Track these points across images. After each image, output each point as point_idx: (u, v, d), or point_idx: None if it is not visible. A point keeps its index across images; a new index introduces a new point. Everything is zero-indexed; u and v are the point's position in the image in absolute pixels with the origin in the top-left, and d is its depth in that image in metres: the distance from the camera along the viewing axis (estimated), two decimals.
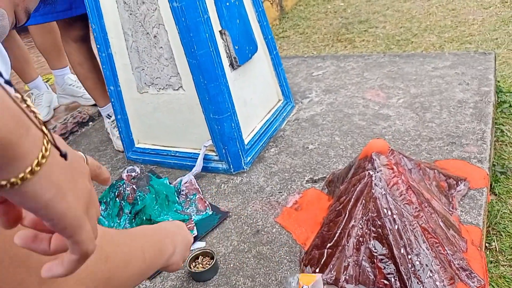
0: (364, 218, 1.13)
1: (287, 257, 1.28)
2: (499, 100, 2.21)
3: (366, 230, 1.12)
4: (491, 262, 1.47)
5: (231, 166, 1.71)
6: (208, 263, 1.29)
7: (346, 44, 3.93)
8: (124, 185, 1.45)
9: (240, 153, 1.70)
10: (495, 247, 1.53)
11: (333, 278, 1.13)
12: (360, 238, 1.13)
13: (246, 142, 1.76)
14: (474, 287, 1.05)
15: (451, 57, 2.38)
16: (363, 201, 1.14)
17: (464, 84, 2.06)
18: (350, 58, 2.71)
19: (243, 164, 1.72)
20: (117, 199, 1.47)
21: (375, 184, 1.14)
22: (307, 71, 2.65)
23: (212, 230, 1.45)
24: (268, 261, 1.28)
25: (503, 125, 2.07)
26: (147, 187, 1.47)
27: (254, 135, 1.83)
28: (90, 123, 2.53)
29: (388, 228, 1.10)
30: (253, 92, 1.88)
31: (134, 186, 1.45)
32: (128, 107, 1.88)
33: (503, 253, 1.51)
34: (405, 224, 1.10)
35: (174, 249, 0.79)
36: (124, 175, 1.47)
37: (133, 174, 1.46)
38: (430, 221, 1.12)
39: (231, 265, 1.30)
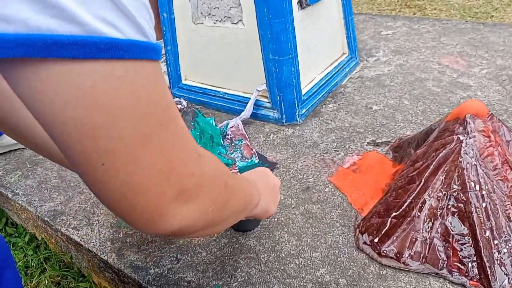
0: (444, 189, 0.95)
1: (340, 221, 1.13)
2: None
3: (445, 204, 0.94)
4: None
5: (284, 116, 1.55)
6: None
7: (416, 10, 3.58)
8: None
9: (296, 102, 1.53)
10: None
11: (395, 251, 0.97)
12: (436, 212, 0.95)
13: (303, 92, 1.58)
14: None
15: None
16: (446, 169, 0.96)
17: None
18: (425, 21, 2.42)
19: (297, 116, 1.56)
20: None
21: (464, 151, 0.94)
22: (374, 29, 2.40)
23: None
24: (318, 221, 1.13)
25: None
26: (192, 123, 1.34)
27: (313, 86, 1.65)
28: None
29: (473, 205, 0.91)
30: (319, 38, 1.67)
31: None
32: (179, 38, 1.73)
33: None
34: (495, 204, 0.91)
35: (259, 196, 0.79)
36: None
37: (179, 106, 1.33)
38: None
39: (275, 219, 1.16)
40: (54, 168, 1.51)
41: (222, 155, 1.39)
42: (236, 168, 1.34)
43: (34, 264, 1.44)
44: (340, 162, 1.35)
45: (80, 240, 1.18)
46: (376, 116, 1.56)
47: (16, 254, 1.48)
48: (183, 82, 1.80)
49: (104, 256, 1.11)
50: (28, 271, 1.43)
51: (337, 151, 1.41)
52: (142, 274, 1.05)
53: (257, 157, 1.40)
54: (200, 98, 1.75)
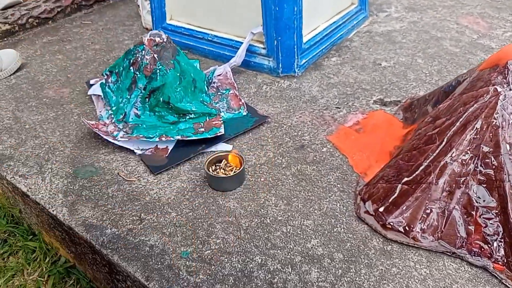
0: (472, 151, 0.77)
1: (338, 185, 0.95)
2: None
3: (470, 169, 0.77)
4: None
5: (280, 66, 1.34)
6: (232, 170, 0.98)
7: None
8: (143, 51, 1.11)
9: (296, 50, 1.32)
10: None
11: (403, 224, 0.79)
12: (458, 179, 0.77)
13: (304, 40, 1.37)
14: None
15: None
16: (476, 127, 0.77)
17: None
18: None
19: (296, 66, 1.35)
20: (131, 68, 1.14)
21: (502, 106, 0.76)
22: None
23: (243, 133, 1.12)
24: (312, 184, 0.95)
25: None
26: (172, 61, 1.13)
27: (316, 35, 1.44)
28: None
29: (506, 172, 0.74)
30: None
31: (155, 55, 1.10)
32: None
33: None
34: None
35: None
36: (145, 39, 1.12)
37: (157, 39, 1.11)
38: None
39: (262, 179, 0.98)
40: (9, 108, 1.30)
41: (205, 103, 1.19)
42: (221, 119, 1.14)
43: None
44: (341, 120, 1.16)
45: (27, 190, 0.99)
46: (385, 73, 1.36)
47: None
48: (168, 22, 1.57)
49: (53, 211, 0.93)
50: None
51: (339, 108, 1.21)
52: (96, 234, 0.86)
53: (245, 109, 1.20)
54: (186, 41, 1.53)
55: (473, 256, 0.75)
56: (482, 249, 0.74)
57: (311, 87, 1.31)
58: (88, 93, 1.31)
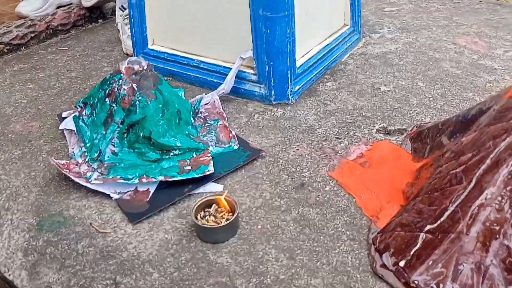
0: (508, 193, 0.65)
1: (347, 232, 0.82)
2: None
3: (508, 216, 0.65)
4: None
5: (273, 93, 1.23)
6: (224, 216, 0.84)
7: None
8: (120, 81, 0.98)
9: (289, 75, 1.21)
10: None
11: (432, 283, 0.67)
12: (494, 227, 0.65)
13: (297, 64, 1.27)
14: None
15: None
16: None
17: None
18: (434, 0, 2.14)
19: (289, 93, 1.24)
20: (107, 99, 1.00)
21: None
22: (376, 5, 2.09)
23: (235, 170, 0.99)
24: (317, 232, 0.82)
25: None
26: (153, 91, 1.00)
27: (309, 59, 1.33)
28: (100, 20, 2.04)
29: None
30: (320, 0, 1.36)
31: (134, 85, 0.98)
32: None
33: None
34: None
35: None
36: (122, 67, 0.99)
37: (136, 67, 0.99)
38: None
39: (258, 227, 0.85)
40: None
41: (192, 137, 1.06)
42: (209, 155, 1.01)
43: None
44: (343, 153, 1.04)
45: None
46: (385, 98, 1.26)
47: None
48: (150, 47, 1.45)
49: (9, 275, 0.77)
50: None
51: (339, 138, 1.10)
52: None
53: (236, 142, 1.07)
54: (170, 68, 1.41)
55: None
56: None
57: (307, 115, 1.20)
58: (60, 128, 1.17)
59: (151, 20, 1.41)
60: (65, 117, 1.19)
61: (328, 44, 1.44)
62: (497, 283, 0.64)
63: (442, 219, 0.69)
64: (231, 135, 1.09)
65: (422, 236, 0.70)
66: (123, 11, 1.69)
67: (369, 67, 1.45)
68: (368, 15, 1.96)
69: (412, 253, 0.70)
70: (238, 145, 1.07)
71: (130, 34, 1.51)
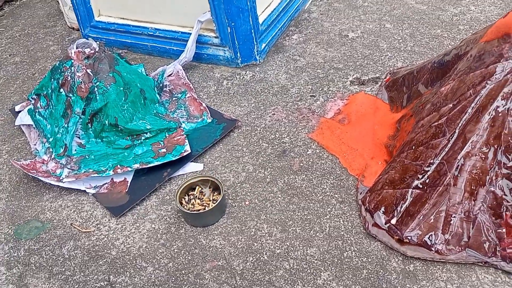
0: (492, 142, 0.66)
1: (336, 195, 0.82)
2: None
3: (493, 163, 0.66)
4: None
5: (239, 55, 1.17)
6: (210, 198, 0.82)
7: None
8: (72, 68, 0.89)
9: (253, 34, 1.15)
10: None
11: (424, 236, 0.68)
12: (480, 176, 0.66)
13: (260, 21, 1.19)
14: None
15: None
16: (493, 113, 0.65)
17: None
18: None
19: (256, 53, 1.18)
20: (61, 89, 0.92)
21: None
22: None
23: (213, 145, 0.96)
24: (306, 199, 0.82)
25: None
26: (111, 74, 0.92)
27: (271, 13, 1.26)
28: None
29: None
30: None
31: (88, 71, 0.89)
32: None
33: None
34: None
35: None
36: (71, 52, 0.90)
37: (87, 51, 0.90)
38: None
39: (246, 203, 0.83)
40: None
41: (161, 115, 1.00)
42: (183, 133, 0.97)
43: None
44: (320, 111, 1.02)
45: None
46: (355, 46, 1.22)
47: None
48: (97, 19, 1.33)
49: None
50: None
51: (314, 96, 1.07)
52: None
53: (209, 115, 1.03)
54: (123, 40, 1.30)
55: (509, 263, 0.65)
56: None
57: (278, 74, 1.15)
58: (16, 123, 1.08)
59: None
60: (19, 111, 1.10)
61: None
62: (486, 228, 0.66)
63: (428, 173, 0.70)
64: (202, 107, 1.04)
65: (410, 192, 0.71)
66: None
67: (334, 12, 1.39)
68: None
69: (402, 210, 0.71)
70: (211, 118, 1.02)
71: (71, 5, 1.37)
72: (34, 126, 1.03)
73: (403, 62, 1.13)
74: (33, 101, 1.02)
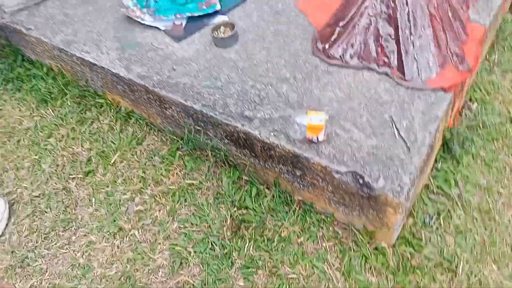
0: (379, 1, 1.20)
1: (301, 35, 1.40)
2: None
3: (379, 11, 1.21)
4: (486, 70, 1.60)
5: None
6: (229, 31, 1.43)
7: None
8: None
9: None
10: (494, 59, 1.64)
11: (340, 53, 1.27)
12: (372, 18, 1.22)
13: None
14: (461, 69, 1.19)
15: None
16: None
17: None
18: None
19: None
20: None
21: None
22: None
23: (234, 7, 1.54)
24: (284, 37, 1.41)
25: None
26: None
27: None
28: None
29: (399, 10, 1.18)
30: None
31: None
32: None
33: (499, 65, 1.62)
34: (416, 9, 1.18)
35: None
36: None
37: None
38: (440, 9, 1.19)
39: (250, 37, 1.44)
40: (56, 4, 1.71)
41: None
42: None
43: (56, 91, 1.75)
44: None
45: (94, 60, 1.47)
46: None
47: (39, 83, 1.77)
48: None
49: (115, 71, 1.41)
50: (52, 95, 1.75)
51: None
52: (147, 80, 1.36)
53: None
54: None
55: (380, 67, 1.24)
56: (385, 62, 1.23)
57: None
58: None
59: None
60: None
61: None
62: (372, 48, 1.24)
63: (348, 17, 1.26)
64: None
65: (337, 30, 1.28)
66: None
67: None
68: None
69: (332, 39, 1.29)
70: None
71: None
72: None
73: None
74: None
